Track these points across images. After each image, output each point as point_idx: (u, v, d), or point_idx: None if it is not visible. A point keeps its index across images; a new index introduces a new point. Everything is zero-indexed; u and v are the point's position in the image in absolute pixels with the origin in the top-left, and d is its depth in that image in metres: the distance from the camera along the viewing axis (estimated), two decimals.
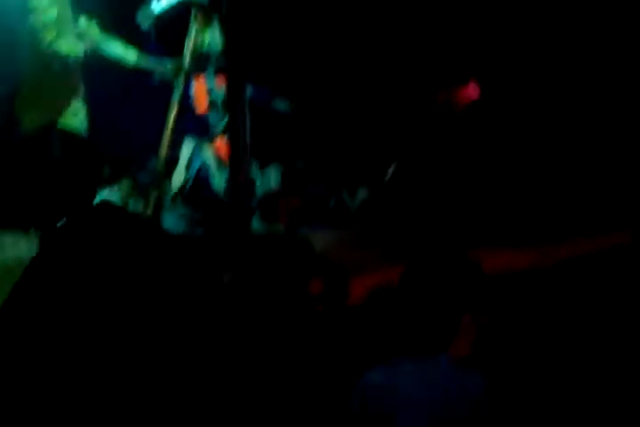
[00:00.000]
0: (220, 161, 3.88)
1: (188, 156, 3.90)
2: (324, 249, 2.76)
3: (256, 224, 5.41)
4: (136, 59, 3.28)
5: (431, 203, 4.02)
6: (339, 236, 3.59)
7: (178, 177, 3.91)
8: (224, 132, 3.79)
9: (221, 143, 3.83)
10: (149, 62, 3.43)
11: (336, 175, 4.50)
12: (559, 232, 3.41)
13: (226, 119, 3.77)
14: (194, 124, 3.89)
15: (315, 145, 4.67)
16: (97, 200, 3.29)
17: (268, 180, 6.71)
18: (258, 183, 6.42)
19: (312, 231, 3.66)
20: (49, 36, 2.81)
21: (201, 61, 3.75)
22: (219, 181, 3.87)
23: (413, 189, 4.24)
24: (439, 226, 3.65)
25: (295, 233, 3.78)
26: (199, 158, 3.92)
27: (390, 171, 4.35)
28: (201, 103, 3.85)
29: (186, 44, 3.36)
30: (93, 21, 3.11)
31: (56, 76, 2.97)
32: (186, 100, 3.80)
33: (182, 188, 3.90)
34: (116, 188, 3.76)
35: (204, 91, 3.87)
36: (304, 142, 4.61)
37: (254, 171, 6.69)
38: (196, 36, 3.39)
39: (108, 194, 3.61)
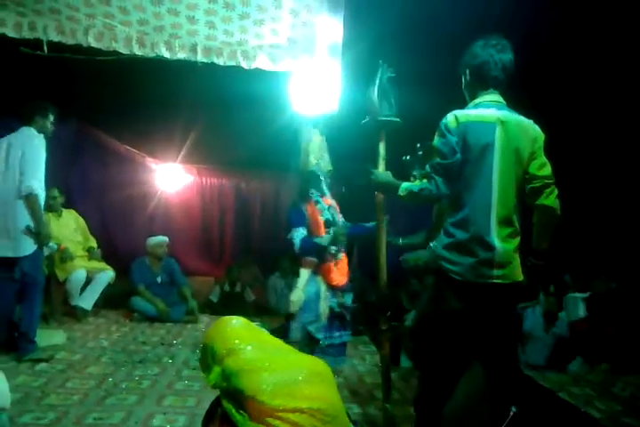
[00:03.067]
0: (328, 283, 3.76)
1: (306, 277, 3.74)
2: None
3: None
4: None
5: None
6: None
7: (296, 297, 3.70)
8: (336, 254, 3.78)
9: (332, 265, 3.78)
10: None
11: None
12: None
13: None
14: (312, 247, 3.76)
15: None
16: None
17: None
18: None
19: None
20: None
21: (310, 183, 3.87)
22: (323, 304, 3.70)
23: None
24: None
25: None
26: (313, 281, 3.75)
27: None
28: (318, 225, 3.79)
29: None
30: None
31: None
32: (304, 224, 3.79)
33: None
34: None
35: (317, 212, 3.81)
36: None
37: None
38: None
39: None
